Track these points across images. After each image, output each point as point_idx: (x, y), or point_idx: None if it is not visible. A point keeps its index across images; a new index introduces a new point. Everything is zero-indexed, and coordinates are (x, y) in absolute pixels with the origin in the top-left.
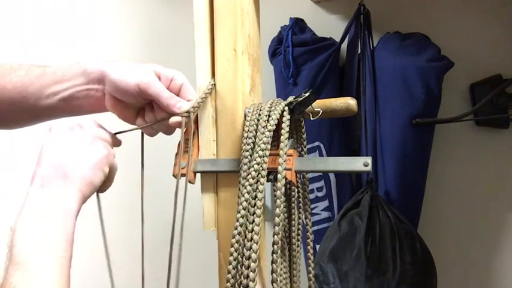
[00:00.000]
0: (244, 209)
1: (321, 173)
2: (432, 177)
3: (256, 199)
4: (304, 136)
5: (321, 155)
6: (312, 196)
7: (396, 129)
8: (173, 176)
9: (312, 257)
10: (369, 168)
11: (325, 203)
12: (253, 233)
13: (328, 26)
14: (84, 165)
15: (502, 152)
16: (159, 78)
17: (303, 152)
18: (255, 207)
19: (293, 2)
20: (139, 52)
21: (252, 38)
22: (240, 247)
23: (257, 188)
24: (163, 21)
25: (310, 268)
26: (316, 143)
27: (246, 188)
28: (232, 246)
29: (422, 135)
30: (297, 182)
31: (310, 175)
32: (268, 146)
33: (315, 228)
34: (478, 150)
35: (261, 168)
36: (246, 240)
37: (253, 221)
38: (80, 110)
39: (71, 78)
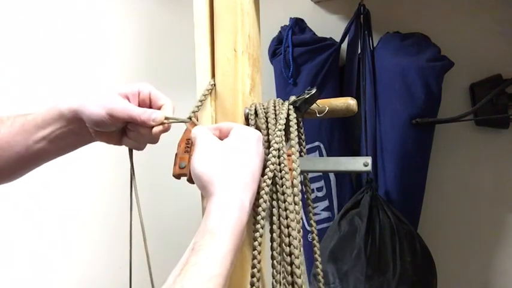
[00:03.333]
0: (264, 210)
1: (321, 173)
2: (432, 177)
3: (285, 195)
4: (303, 136)
5: (321, 155)
6: (312, 196)
7: (396, 129)
8: (173, 176)
9: (319, 258)
10: (369, 168)
11: (325, 203)
12: (290, 229)
13: (328, 26)
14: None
15: (502, 152)
16: (128, 99)
17: (302, 153)
18: (286, 203)
19: (293, 2)
20: (139, 52)
21: (252, 38)
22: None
23: (282, 184)
24: (163, 21)
25: (318, 270)
26: (316, 143)
27: (264, 189)
28: (255, 249)
29: (422, 135)
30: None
31: (310, 175)
32: (282, 145)
33: None
34: (478, 150)
35: (280, 167)
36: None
37: (287, 217)
38: (68, 147)
39: (51, 123)
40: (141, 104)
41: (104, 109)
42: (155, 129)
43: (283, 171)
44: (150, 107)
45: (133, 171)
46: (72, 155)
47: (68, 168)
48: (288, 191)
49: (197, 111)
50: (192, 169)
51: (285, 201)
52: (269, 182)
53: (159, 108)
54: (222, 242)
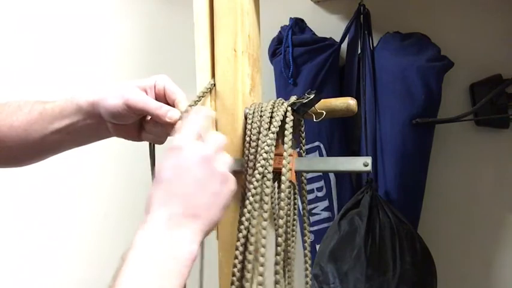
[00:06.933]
0: (249, 212)
1: (321, 173)
2: (432, 177)
3: (262, 202)
4: (303, 135)
5: (321, 155)
6: (312, 196)
7: (396, 129)
8: None
9: (309, 255)
10: (369, 168)
11: (325, 203)
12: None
13: (328, 26)
14: (217, 206)
15: (502, 152)
16: (146, 92)
17: (301, 151)
18: (261, 210)
19: (293, 2)
20: (140, 52)
21: (252, 38)
22: (245, 251)
23: (262, 191)
24: (163, 21)
25: (307, 265)
26: (316, 143)
27: (250, 190)
28: (237, 249)
29: (422, 135)
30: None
31: (310, 175)
32: (273, 148)
33: (315, 228)
34: (478, 150)
35: (266, 171)
36: (248, 243)
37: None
38: (85, 140)
39: (68, 115)
40: (157, 97)
41: (121, 99)
42: (178, 125)
43: (269, 175)
44: (166, 100)
45: (154, 164)
46: (72, 156)
47: (68, 169)
48: (266, 198)
49: (193, 105)
50: None
51: (261, 207)
52: (257, 184)
53: (173, 102)
54: (137, 276)
